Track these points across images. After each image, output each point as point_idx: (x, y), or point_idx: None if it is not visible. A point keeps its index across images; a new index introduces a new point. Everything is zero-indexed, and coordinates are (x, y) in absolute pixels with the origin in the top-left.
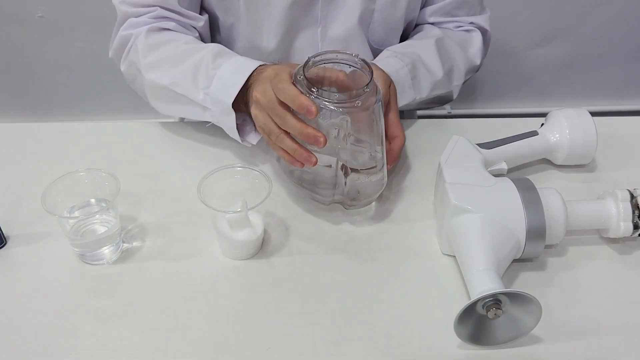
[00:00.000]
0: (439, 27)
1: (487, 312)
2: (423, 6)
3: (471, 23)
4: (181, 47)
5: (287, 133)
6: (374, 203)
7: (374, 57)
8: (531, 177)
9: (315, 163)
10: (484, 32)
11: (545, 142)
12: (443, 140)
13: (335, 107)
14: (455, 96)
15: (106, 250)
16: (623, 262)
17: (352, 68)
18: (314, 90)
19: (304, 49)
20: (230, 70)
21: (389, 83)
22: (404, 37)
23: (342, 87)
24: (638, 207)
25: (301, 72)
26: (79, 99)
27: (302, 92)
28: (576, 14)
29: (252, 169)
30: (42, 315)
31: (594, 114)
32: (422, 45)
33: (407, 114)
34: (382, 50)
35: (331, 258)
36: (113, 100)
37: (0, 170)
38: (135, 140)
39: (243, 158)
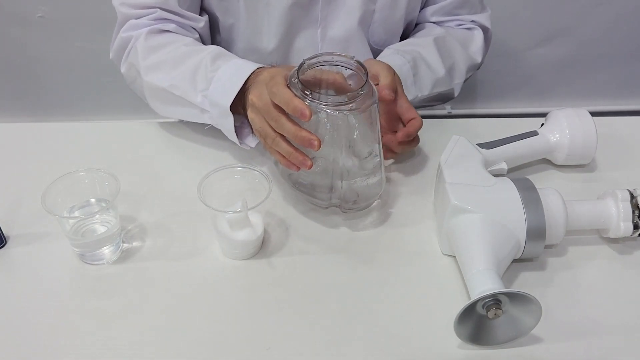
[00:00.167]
0: (440, 26)
1: (487, 312)
2: (423, 6)
3: (472, 21)
4: (180, 49)
5: (282, 136)
6: (374, 203)
7: (375, 58)
8: (531, 177)
9: (311, 166)
10: (485, 30)
11: (545, 142)
12: (443, 140)
13: (330, 109)
14: (456, 94)
15: (106, 250)
16: (623, 262)
17: (349, 70)
18: (308, 93)
19: (303, 49)
20: (228, 73)
21: (393, 72)
22: (404, 38)
23: (339, 89)
24: (638, 207)
25: (296, 75)
26: (79, 99)
27: (296, 95)
28: (576, 14)
29: (252, 169)
30: (42, 315)
31: (594, 114)
32: (423, 43)
33: None
34: (382, 50)
35: (331, 258)
36: (113, 100)
37: (0, 170)
38: (135, 140)
39: (242, 159)
